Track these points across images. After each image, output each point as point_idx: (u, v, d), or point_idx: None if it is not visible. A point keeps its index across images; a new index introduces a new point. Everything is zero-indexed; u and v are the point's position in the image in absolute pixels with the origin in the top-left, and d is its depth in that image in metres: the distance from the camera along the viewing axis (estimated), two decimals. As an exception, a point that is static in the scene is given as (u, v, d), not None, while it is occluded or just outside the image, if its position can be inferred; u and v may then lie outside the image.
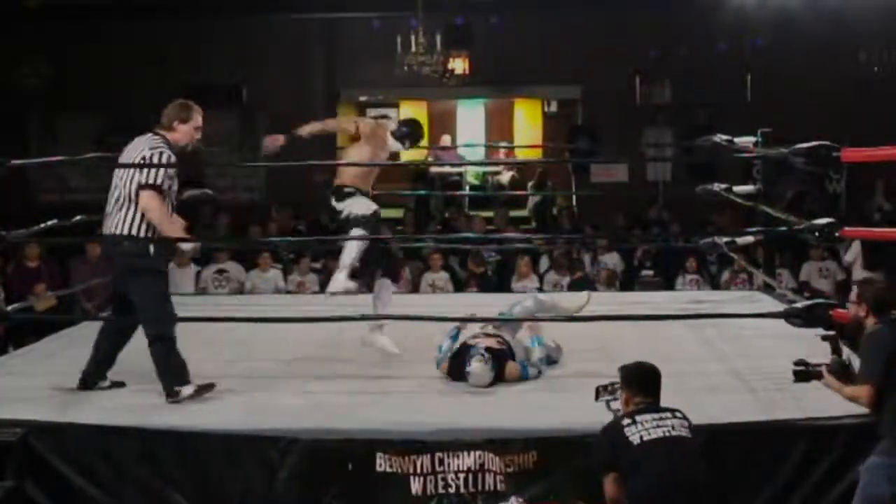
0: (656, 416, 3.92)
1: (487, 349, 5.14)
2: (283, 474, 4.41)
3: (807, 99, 13.26)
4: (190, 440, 4.49)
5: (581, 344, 5.75)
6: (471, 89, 15.14)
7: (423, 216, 13.17)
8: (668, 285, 10.39)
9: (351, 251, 5.64)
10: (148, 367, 5.37)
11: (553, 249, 10.66)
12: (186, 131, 5.09)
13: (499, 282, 10.28)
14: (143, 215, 4.89)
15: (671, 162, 14.16)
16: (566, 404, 4.81)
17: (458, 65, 14.01)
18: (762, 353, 5.57)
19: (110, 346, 5.17)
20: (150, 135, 5.06)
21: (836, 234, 5.25)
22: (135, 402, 4.89)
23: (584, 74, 14.27)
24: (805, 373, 4.66)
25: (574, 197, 14.76)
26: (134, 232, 4.90)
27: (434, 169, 14.78)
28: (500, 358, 5.15)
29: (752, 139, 7.03)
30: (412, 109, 16.86)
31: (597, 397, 4.17)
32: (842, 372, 4.54)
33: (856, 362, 4.53)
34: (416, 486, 4.38)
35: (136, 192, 4.88)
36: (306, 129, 5.84)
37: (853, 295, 4.61)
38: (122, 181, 4.95)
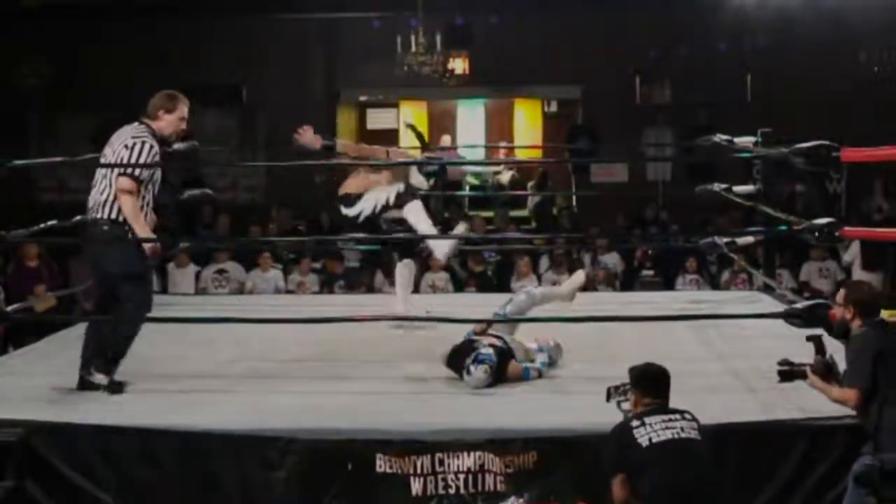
0: (665, 417, 3.92)
1: (492, 346, 5.13)
2: (283, 474, 4.41)
3: (807, 99, 13.26)
4: (190, 440, 4.48)
5: (581, 344, 5.75)
6: (471, 89, 15.15)
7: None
8: (668, 285, 10.40)
9: (419, 218, 5.52)
10: (148, 367, 5.41)
11: (553, 249, 10.67)
12: (171, 121, 5.14)
13: (498, 282, 10.29)
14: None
15: (671, 162, 14.17)
16: (566, 404, 4.82)
17: (458, 65, 14.02)
18: (762, 353, 5.56)
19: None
20: (135, 124, 5.11)
21: (836, 234, 5.25)
22: (135, 402, 4.89)
23: (584, 74, 14.27)
24: (789, 372, 4.71)
25: (574, 197, 14.77)
26: (113, 216, 4.96)
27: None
28: (502, 357, 5.15)
29: (752, 139, 7.03)
30: (412, 109, 16.88)
31: (608, 398, 4.16)
32: (826, 372, 4.57)
33: (841, 364, 4.55)
34: (416, 487, 4.38)
35: (118, 180, 4.94)
36: (344, 143, 5.72)
37: (839, 297, 4.63)
38: (105, 173, 5.01)
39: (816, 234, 5.22)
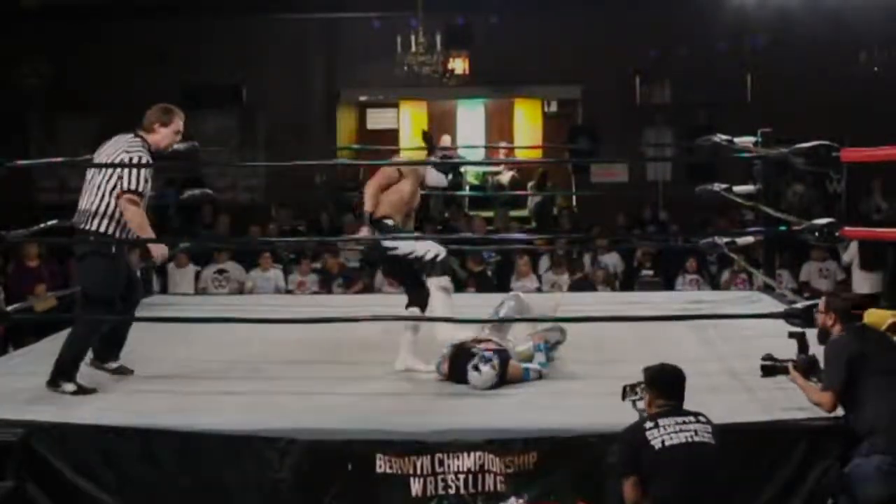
0: (679, 419, 3.91)
1: (495, 352, 5.13)
2: (283, 474, 4.41)
3: (807, 99, 13.27)
4: (190, 440, 4.48)
5: (581, 344, 5.75)
6: (471, 89, 15.16)
7: (422, 217, 13.17)
8: (668, 285, 10.40)
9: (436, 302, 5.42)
10: (148, 367, 5.41)
11: (553, 249, 10.67)
12: (167, 134, 5.21)
13: (498, 282, 10.29)
14: (113, 214, 4.99)
15: (671, 162, 14.17)
16: (566, 404, 4.82)
17: (458, 65, 14.03)
18: (762, 353, 5.55)
19: (119, 329, 5.30)
20: (130, 135, 5.15)
21: (836, 234, 5.25)
22: (135, 402, 4.89)
23: (584, 74, 14.28)
24: (772, 368, 4.76)
25: (574, 197, 14.78)
26: (102, 229, 5.00)
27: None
28: (502, 358, 5.15)
29: (752, 139, 7.03)
30: (412, 109, 16.88)
31: (623, 397, 4.14)
32: (807, 368, 4.62)
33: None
34: (416, 487, 4.37)
35: (111, 194, 4.98)
36: (369, 202, 5.58)
37: (821, 305, 4.69)
38: (101, 177, 5.03)
39: (816, 234, 5.22)
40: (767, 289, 7.57)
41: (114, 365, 5.32)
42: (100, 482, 4.48)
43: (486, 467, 4.37)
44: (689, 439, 3.86)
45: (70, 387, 4.95)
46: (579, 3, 13.85)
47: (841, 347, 4.38)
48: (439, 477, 4.37)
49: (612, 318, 5.94)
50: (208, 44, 13.96)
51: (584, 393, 5.00)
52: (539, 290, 10.07)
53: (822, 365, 4.56)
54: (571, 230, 12.19)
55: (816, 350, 4.70)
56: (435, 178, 5.65)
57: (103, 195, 5.00)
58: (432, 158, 5.71)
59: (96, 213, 5.00)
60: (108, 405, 4.84)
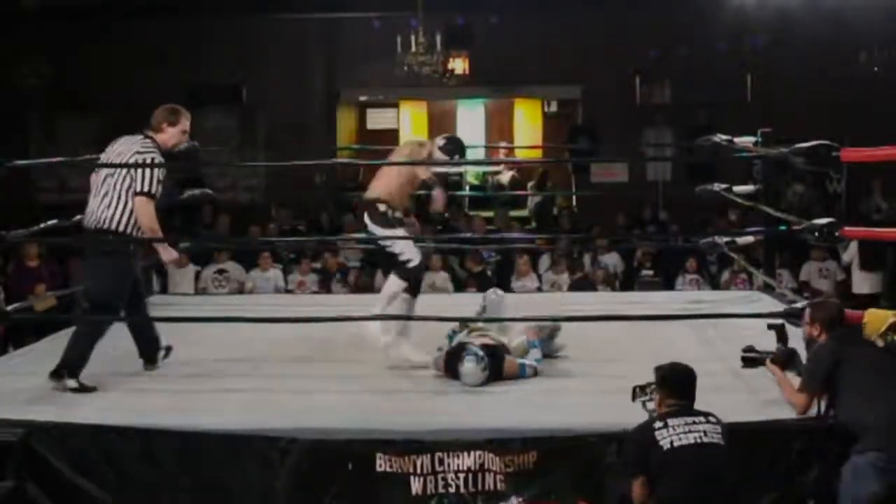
0: (689, 420, 3.91)
1: (483, 346, 5.14)
2: (283, 474, 4.41)
3: (807, 99, 13.27)
4: (190, 440, 4.49)
5: (581, 344, 5.75)
6: (471, 89, 15.15)
7: (422, 217, 13.16)
8: (668, 285, 10.40)
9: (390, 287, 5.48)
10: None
11: (553, 249, 10.67)
12: (174, 133, 5.29)
13: (499, 282, 10.28)
14: (129, 214, 5.05)
15: (671, 162, 14.17)
16: (566, 403, 4.82)
17: (458, 65, 14.02)
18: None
19: (144, 328, 5.41)
20: (139, 137, 5.20)
21: (836, 234, 5.25)
22: (135, 402, 4.89)
23: (584, 74, 14.28)
24: (753, 359, 4.86)
25: (574, 197, 14.78)
26: (119, 228, 5.06)
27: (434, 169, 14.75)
28: (497, 355, 5.16)
29: (752, 139, 7.03)
30: (412, 109, 16.88)
31: (633, 398, 4.13)
32: (785, 361, 4.71)
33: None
34: (416, 486, 4.38)
35: (127, 194, 5.04)
36: (441, 202, 5.68)
37: (805, 317, 4.74)
38: (115, 178, 5.07)
39: (816, 234, 5.23)
40: (767, 289, 7.57)
41: (161, 354, 5.47)
42: (100, 482, 4.48)
43: (486, 466, 4.37)
44: (699, 440, 3.86)
45: (72, 383, 4.98)
46: (579, 3, 13.84)
47: (824, 354, 4.43)
48: (439, 476, 4.37)
49: (611, 317, 5.95)
50: (208, 44, 13.96)
51: (585, 392, 5.00)
52: (539, 289, 10.07)
53: (802, 360, 4.66)
54: (571, 230, 12.19)
55: (797, 343, 4.75)
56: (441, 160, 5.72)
57: (118, 196, 5.06)
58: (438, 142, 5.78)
59: (112, 214, 5.06)
60: (109, 405, 4.84)
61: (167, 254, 5.29)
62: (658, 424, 3.90)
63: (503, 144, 16.36)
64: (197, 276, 10.27)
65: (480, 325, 5.47)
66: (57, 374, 4.99)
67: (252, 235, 11.40)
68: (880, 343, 4.50)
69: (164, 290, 9.27)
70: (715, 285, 10.20)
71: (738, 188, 7.60)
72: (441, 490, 4.37)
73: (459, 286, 10.04)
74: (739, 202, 7.67)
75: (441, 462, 4.38)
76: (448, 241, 10.37)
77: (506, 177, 15.58)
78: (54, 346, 6.24)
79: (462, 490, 4.38)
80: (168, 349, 5.50)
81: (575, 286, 9.93)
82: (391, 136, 15.62)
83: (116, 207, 5.06)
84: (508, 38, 14.18)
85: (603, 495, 4.34)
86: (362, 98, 16.03)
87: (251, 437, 4.46)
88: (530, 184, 14.64)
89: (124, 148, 5.15)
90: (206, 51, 13.96)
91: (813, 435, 4.42)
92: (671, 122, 14.17)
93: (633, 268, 11.03)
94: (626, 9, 13.70)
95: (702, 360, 5.50)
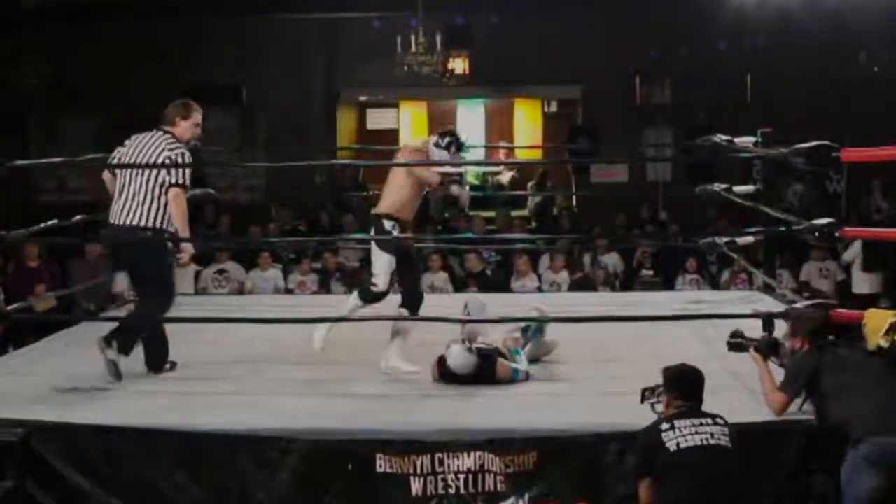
0: (696, 421, 3.91)
1: (477, 348, 5.14)
2: (283, 474, 4.41)
3: (807, 99, 13.25)
4: (190, 440, 4.49)
5: (580, 344, 5.75)
6: (471, 89, 15.14)
7: (422, 217, 13.16)
8: (668, 285, 10.40)
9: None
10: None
11: (553, 249, 10.67)
12: (188, 127, 5.41)
13: (499, 282, 10.28)
14: (163, 210, 5.18)
15: (671, 162, 14.16)
16: (566, 404, 4.82)
17: (458, 65, 14.00)
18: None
19: (156, 334, 5.45)
20: (160, 133, 5.32)
21: (836, 234, 5.25)
22: (135, 402, 4.89)
23: (584, 74, 14.27)
24: (739, 345, 4.87)
25: (574, 197, 14.77)
26: (157, 224, 5.20)
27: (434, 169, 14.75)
28: (489, 356, 5.15)
29: (752, 139, 7.03)
30: (412, 109, 16.88)
31: (642, 400, 4.13)
32: (769, 350, 4.72)
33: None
34: (416, 487, 4.38)
35: (161, 189, 5.17)
36: (465, 198, 5.79)
37: (788, 329, 4.78)
38: (143, 176, 5.19)
39: (816, 234, 5.23)
40: (767, 289, 7.58)
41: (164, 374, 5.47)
42: (100, 482, 4.48)
43: (486, 467, 4.37)
44: (705, 442, 3.85)
45: (112, 354, 5.06)
46: (579, 3, 13.83)
47: (806, 361, 4.46)
48: (439, 476, 4.37)
49: (611, 317, 5.95)
50: (208, 44, 13.95)
51: (584, 393, 5.00)
52: (539, 289, 10.07)
53: (784, 347, 4.71)
54: (571, 230, 12.18)
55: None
56: (439, 157, 5.72)
57: (151, 192, 5.17)
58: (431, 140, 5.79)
59: (149, 211, 5.16)
60: (109, 405, 4.84)
61: (186, 247, 5.39)
62: (665, 426, 3.90)
63: (503, 144, 16.34)
64: (197, 276, 10.27)
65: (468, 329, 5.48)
66: (107, 342, 5.07)
67: (252, 235, 11.40)
68: (882, 343, 4.49)
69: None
70: (715, 285, 10.20)
71: (738, 188, 7.59)
72: (441, 491, 4.37)
73: (459, 286, 10.04)
74: (739, 202, 7.66)
75: (441, 463, 4.38)
76: (448, 241, 10.38)
77: (506, 177, 15.57)
78: (54, 346, 6.27)
79: (462, 491, 4.38)
80: (173, 364, 5.48)
81: (575, 286, 9.93)
82: (391, 136, 15.61)
83: (151, 205, 5.18)
84: (508, 38, 14.16)
85: (603, 496, 4.34)
86: (362, 98, 16.02)
87: (251, 437, 4.46)
88: (530, 184, 14.64)
89: (148, 146, 5.26)
90: (206, 51, 13.95)
91: (810, 434, 4.42)
92: (671, 122, 14.15)
93: (632, 268, 11.03)
94: (626, 9, 13.69)
95: (702, 360, 5.50)
